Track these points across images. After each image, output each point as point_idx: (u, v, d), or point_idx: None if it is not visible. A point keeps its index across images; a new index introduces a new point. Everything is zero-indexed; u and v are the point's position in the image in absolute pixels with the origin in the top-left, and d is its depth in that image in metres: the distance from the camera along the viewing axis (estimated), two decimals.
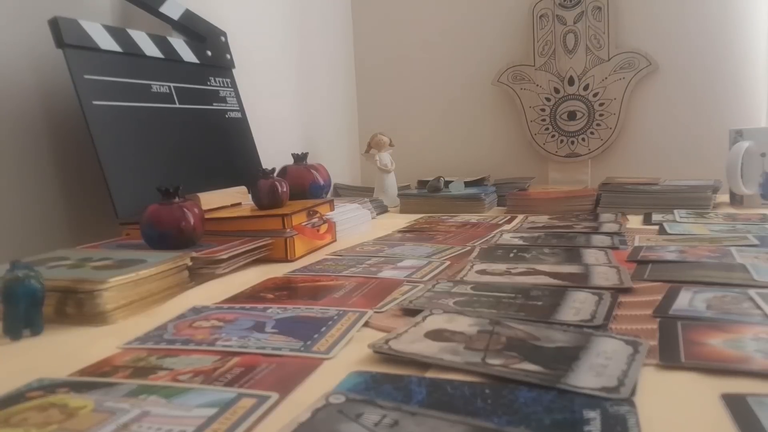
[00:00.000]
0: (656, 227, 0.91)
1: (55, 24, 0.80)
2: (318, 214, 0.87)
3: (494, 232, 0.93)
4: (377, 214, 1.19)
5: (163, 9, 0.99)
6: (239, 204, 0.91)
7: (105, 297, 0.53)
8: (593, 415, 0.32)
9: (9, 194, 0.78)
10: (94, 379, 0.40)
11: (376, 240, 0.91)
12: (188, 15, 1.04)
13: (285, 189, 0.84)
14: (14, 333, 0.49)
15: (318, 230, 0.85)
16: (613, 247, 0.77)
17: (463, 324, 0.47)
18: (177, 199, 0.71)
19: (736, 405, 0.33)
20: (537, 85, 1.47)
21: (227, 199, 0.90)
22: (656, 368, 0.39)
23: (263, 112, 1.22)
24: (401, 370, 0.39)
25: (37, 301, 0.50)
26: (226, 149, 1.06)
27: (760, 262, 0.64)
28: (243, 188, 0.94)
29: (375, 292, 0.60)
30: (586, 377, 0.36)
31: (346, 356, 0.43)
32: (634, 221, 0.99)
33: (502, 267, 0.68)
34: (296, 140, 1.36)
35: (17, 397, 0.37)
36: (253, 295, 0.61)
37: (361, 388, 0.37)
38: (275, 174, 0.88)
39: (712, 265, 0.64)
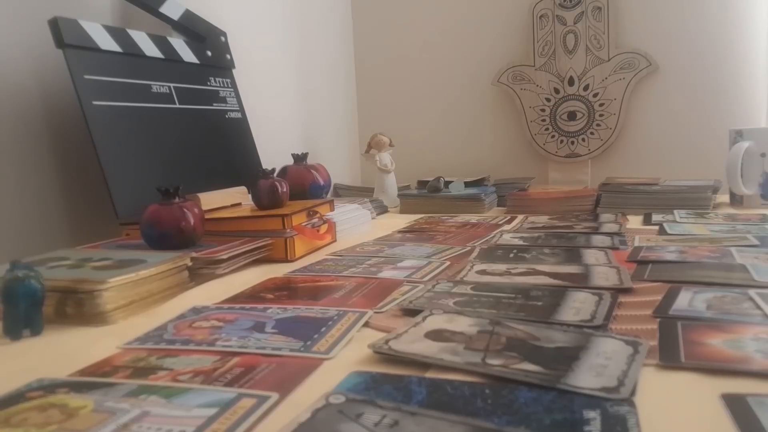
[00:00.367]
0: (656, 227, 0.91)
1: (55, 24, 0.80)
2: (318, 215, 0.87)
3: (494, 232, 0.93)
4: (377, 215, 1.19)
5: (163, 9, 0.99)
6: (239, 204, 0.91)
7: (105, 297, 0.53)
8: (593, 415, 0.32)
9: (9, 194, 0.78)
10: (94, 379, 0.40)
11: (376, 240, 0.91)
12: (188, 15, 1.04)
13: (285, 189, 0.84)
14: (14, 333, 0.49)
15: (318, 230, 0.85)
16: (613, 248, 0.77)
17: (463, 324, 0.47)
18: (177, 199, 0.71)
19: (736, 405, 0.33)
20: (537, 86, 1.47)
21: (227, 199, 0.90)
22: (656, 368, 0.39)
23: (263, 112, 1.22)
24: (401, 370, 0.39)
25: (37, 301, 0.50)
26: (226, 149, 1.06)
27: (760, 263, 0.64)
28: (243, 188, 0.94)
29: (375, 292, 0.60)
30: (586, 377, 0.36)
31: (346, 356, 0.43)
32: (634, 221, 0.99)
33: (502, 267, 0.68)
34: (296, 140, 1.36)
35: (17, 397, 0.37)
36: (253, 296, 0.61)
37: (361, 388, 0.37)
38: (275, 174, 0.88)
39: (712, 265, 0.64)
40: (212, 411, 0.34)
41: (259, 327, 0.49)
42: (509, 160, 1.53)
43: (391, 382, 0.37)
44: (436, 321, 0.48)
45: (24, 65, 0.81)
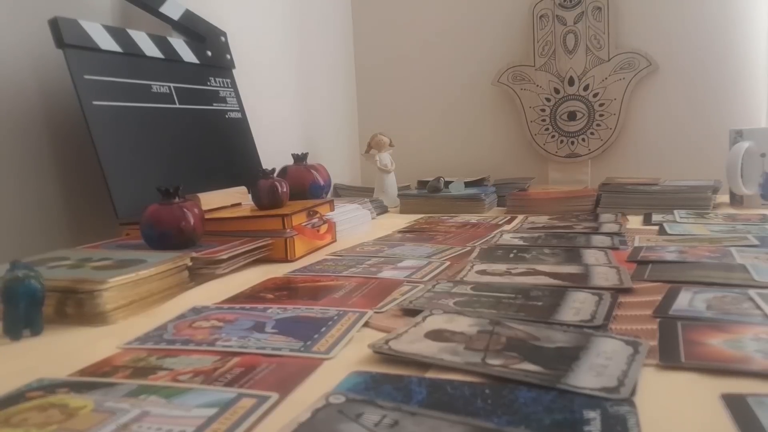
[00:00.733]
0: (656, 227, 0.91)
1: (55, 24, 0.80)
2: (318, 215, 0.87)
3: (494, 232, 0.93)
4: (377, 215, 1.19)
5: (163, 9, 0.99)
6: (239, 204, 0.91)
7: (105, 297, 0.53)
8: (593, 415, 0.32)
9: (9, 194, 0.78)
10: (94, 379, 0.40)
11: (376, 240, 0.91)
12: (188, 15, 1.04)
13: (285, 189, 0.84)
14: (14, 333, 0.49)
15: (318, 230, 0.85)
16: (613, 248, 0.77)
17: (463, 324, 0.47)
18: (177, 199, 0.71)
19: (736, 405, 0.33)
20: (537, 86, 1.47)
21: (227, 199, 0.90)
22: (656, 368, 0.39)
23: (263, 112, 1.22)
24: (401, 370, 0.39)
25: (37, 301, 0.50)
26: (226, 149, 1.06)
27: (760, 263, 0.64)
28: (243, 188, 0.94)
29: (375, 292, 0.60)
30: (586, 377, 0.36)
31: (346, 356, 0.43)
32: (634, 221, 0.99)
33: (502, 267, 0.68)
34: (296, 140, 1.36)
35: (17, 397, 0.37)
36: (253, 296, 0.61)
37: (361, 388, 0.37)
38: (275, 174, 0.88)
39: (712, 265, 0.64)
40: (212, 411, 0.34)
41: (259, 327, 0.49)
42: (509, 160, 1.53)
43: (391, 382, 0.37)
44: (436, 321, 0.48)
45: (24, 65, 0.81)
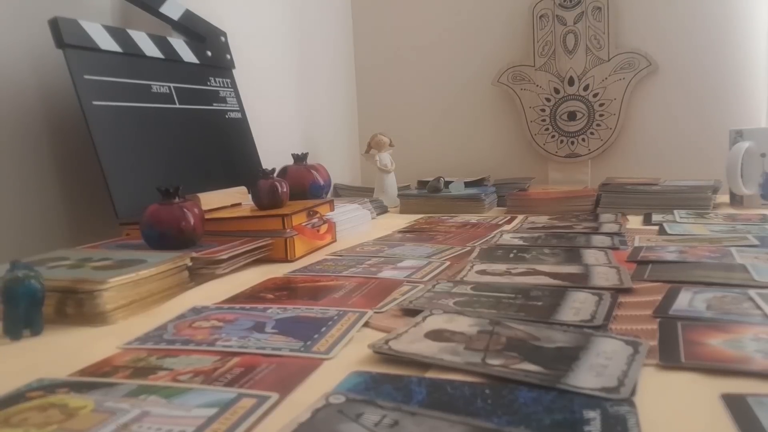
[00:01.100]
0: (656, 227, 0.91)
1: (55, 24, 0.80)
2: (318, 215, 0.87)
3: (494, 232, 0.93)
4: (377, 215, 1.19)
5: (163, 9, 0.99)
6: (239, 204, 0.91)
7: (105, 297, 0.53)
8: (593, 415, 0.32)
9: (9, 194, 0.78)
10: (94, 379, 0.40)
11: (376, 240, 0.91)
12: (188, 15, 1.04)
13: (285, 189, 0.84)
14: (14, 333, 0.49)
15: (318, 230, 0.85)
16: (613, 248, 0.77)
17: (463, 324, 0.47)
18: (177, 199, 0.71)
19: (736, 405, 0.33)
20: (537, 86, 1.47)
21: (227, 199, 0.90)
22: (656, 368, 0.39)
23: (263, 112, 1.22)
24: (401, 371, 0.39)
25: (37, 301, 0.50)
26: (226, 149, 1.06)
27: (760, 263, 0.64)
28: (243, 188, 0.94)
29: (375, 292, 0.59)
30: (586, 377, 0.36)
31: (346, 356, 0.43)
32: (634, 221, 0.99)
33: (502, 267, 0.68)
34: (296, 140, 1.36)
35: (17, 397, 0.37)
36: (253, 296, 0.61)
37: (361, 388, 0.37)
38: (275, 174, 0.88)
39: (712, 265, 0.64)
40: (212, 411, 0.34)
41: (259, 327, 0.49)
42: (509, 160, 1.53)
43: (391, 382, 0.37)
44: (436, 321, 0.48)
45: (24, 65, 0.81)
